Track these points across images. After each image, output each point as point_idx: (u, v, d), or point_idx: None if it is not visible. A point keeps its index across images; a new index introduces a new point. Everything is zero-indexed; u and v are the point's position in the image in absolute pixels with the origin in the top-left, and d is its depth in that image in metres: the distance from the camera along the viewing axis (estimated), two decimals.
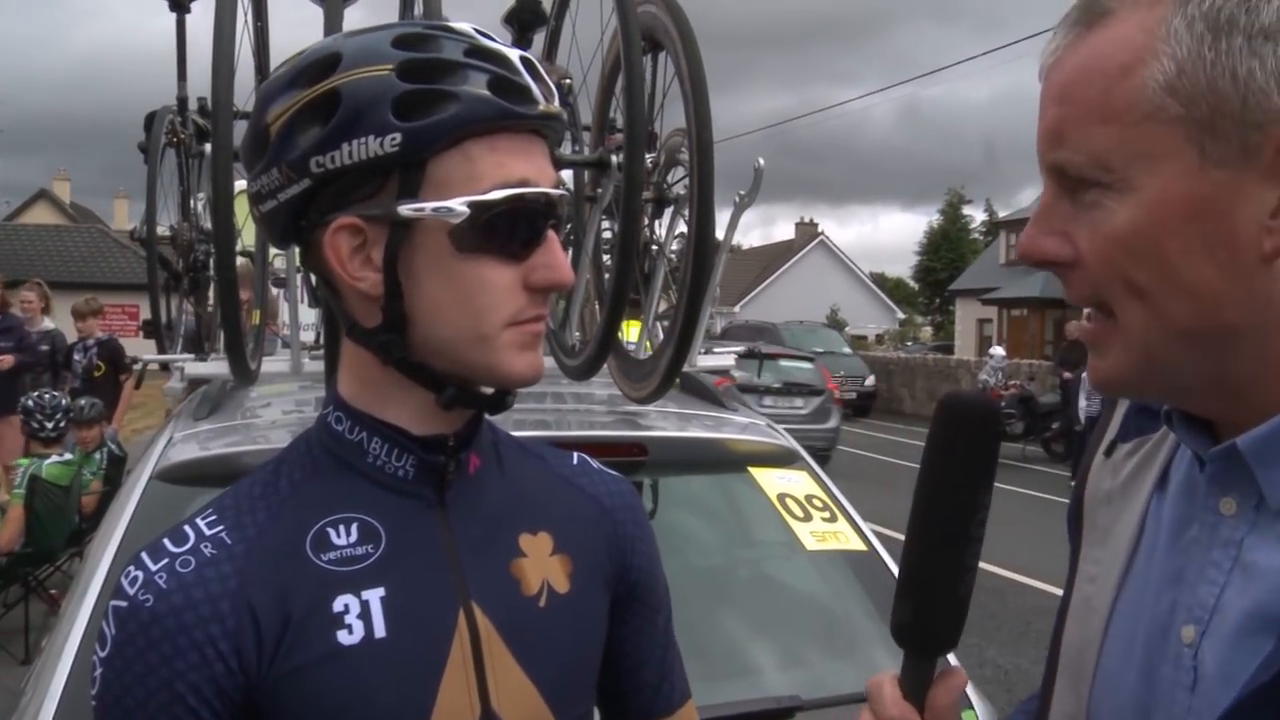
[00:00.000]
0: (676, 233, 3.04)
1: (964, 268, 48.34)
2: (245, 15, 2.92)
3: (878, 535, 2.68)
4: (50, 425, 7.02)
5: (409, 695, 1.10)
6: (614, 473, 1.38)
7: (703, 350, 3.57)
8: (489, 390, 1.18)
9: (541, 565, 1.22)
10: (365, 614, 1.10)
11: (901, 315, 59.52)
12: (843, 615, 2.65)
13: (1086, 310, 0.97)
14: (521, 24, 3.31)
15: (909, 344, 47.51)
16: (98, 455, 7.23)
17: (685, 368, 3.14)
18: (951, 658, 2.30)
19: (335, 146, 1.06)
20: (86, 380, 8.96)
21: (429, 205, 1.06)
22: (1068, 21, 0.93)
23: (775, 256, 61.01)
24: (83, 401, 7.39)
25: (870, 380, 26.08)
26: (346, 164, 1.06)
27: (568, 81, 3.21)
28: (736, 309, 52.87)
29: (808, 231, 61.62)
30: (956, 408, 1.03)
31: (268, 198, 1.12)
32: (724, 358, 3.41)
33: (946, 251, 55.88)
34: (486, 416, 1.24)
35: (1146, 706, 0.98)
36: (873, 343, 46.44)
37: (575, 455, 1.37)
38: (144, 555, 1.10)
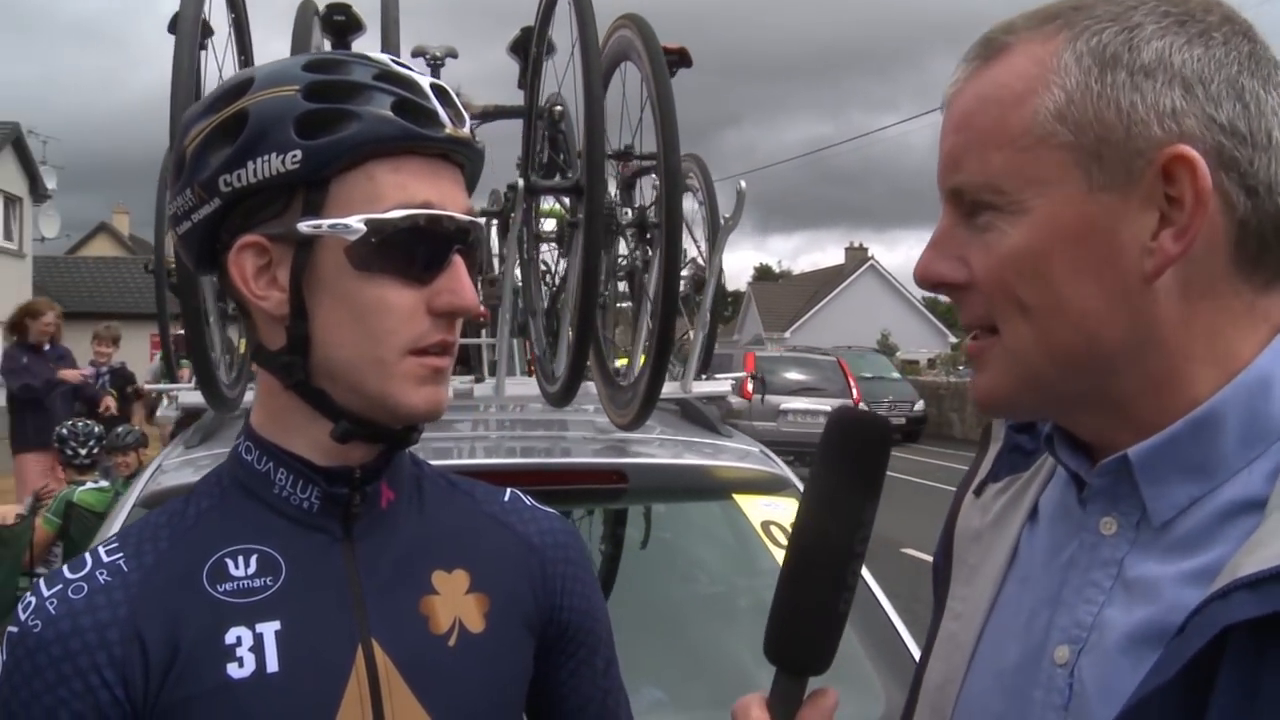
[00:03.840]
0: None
1: None
2: (229, 47, 2.94)
3: (907, 560, 2.63)
4: (84, 452, 7.09)
5: None
6: (550, 510, 1.36)
7: (703, 377, 3.55)
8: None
9: (454, 603, 1.20)
10: (258, 647, 1.09)
11: (954, 339, 58.94)
12: None
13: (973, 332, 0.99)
14: (528, 52, 3.31)
15: (960, 368, 46.98)
16: None
17: (681, 394, 3.13)
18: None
19: (241, 165, 1.08)
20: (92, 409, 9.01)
21: (326, 222, 1.07)
22: (968, 56, 0.97)
23: (825, 282, 60.72)
24: (120, 429, 7.48)
25: (919, 405, 25.81)
26: (252, 182, 1.08)
27: (559, 108, 3.21)
28: (786, 335, 52.64)
29: (858, 256, 61.22)
30: (845, 421, 1.04)
31: (183, 219, 1.14)
32: (721, 384, 3.38)
33: None
34: (409, 450, 1.23)
35: None
36: (925, 367, 46.00)
37: (508, 492, 1.35)
38: (41, 582, 1.10)
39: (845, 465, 1.02)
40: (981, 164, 0.92)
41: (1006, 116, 0.91)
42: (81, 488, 6.70)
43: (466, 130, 1.13)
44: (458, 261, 1.12)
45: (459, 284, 1.11)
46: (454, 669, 1.17)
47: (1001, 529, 1.09)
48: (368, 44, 3.84)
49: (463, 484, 1.32)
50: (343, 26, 3.37)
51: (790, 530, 1.03)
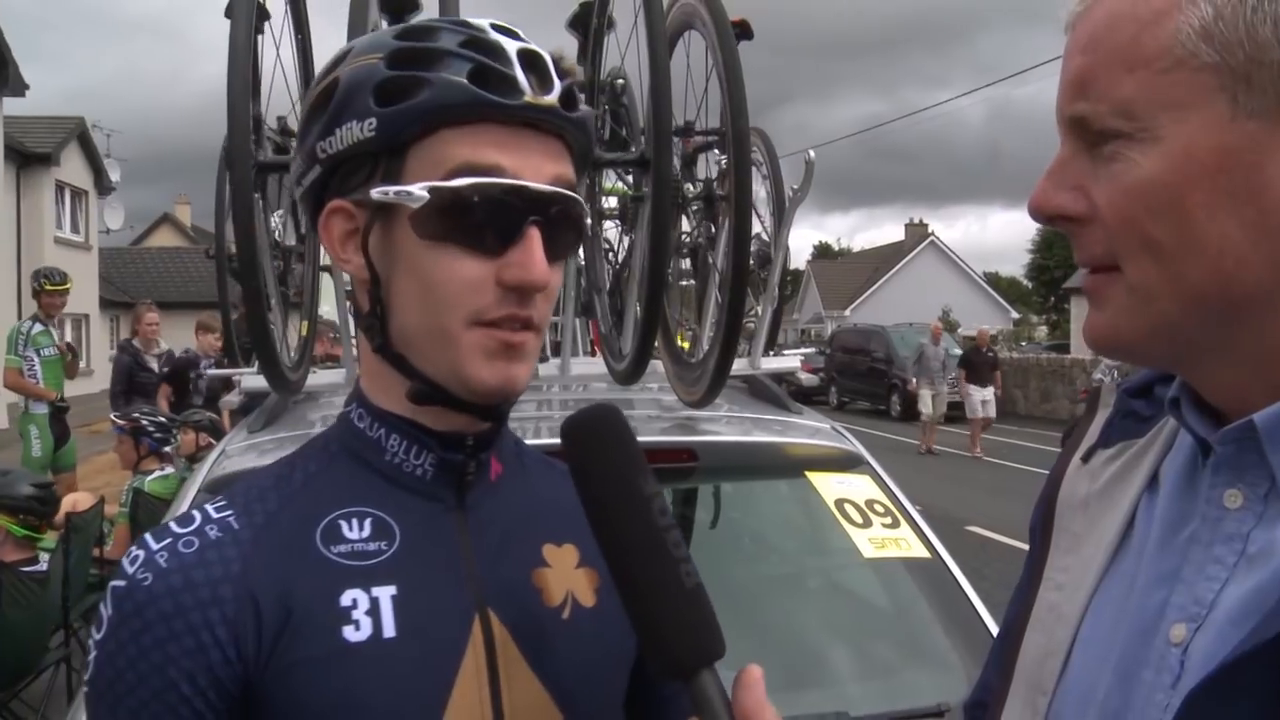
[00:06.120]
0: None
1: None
2: (286, 27, 2.92)
3: (973, 536, 2.58)
4: (170, 443, 7.17)
5: (416, 700, 1.06)
6: None
7: (772, 352, 3.48)
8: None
9: (566, 577, 1.18)
10: (374, 611, 1.06)
11: (1016, 315, 58.29)
12: (900, 625, 2.55)
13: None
14: (586, 27, 3.26)
15: (1023, 344, 46.41)
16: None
17: (750, 370, 3.07)
18: None
19: (331, 132, 1.08)
20: (210, 399, 9.08)
21: (393, 189, 1.05)
22: None
23: (886, 258, 60.32)
24: (189, 411, 7.59)
25: None
26: (340, 149, 1.07)
27: (620, 81, 3.15)
28: (847, 312, 52.37)
29: (918, 232, 60.73)
30: (570, 428, 1.04)
31: (298, 185, 1.15)
32: (789, 360, 3.32)
33: (1060, 249, 54.57)
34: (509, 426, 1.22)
35: (1116, 716, 0.90)
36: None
37: None
38: (148, 536, 1.08)
39: (597, 458, 1.02)
40: (1110, 88, 0.84)
41: (1142, 35, 0.82)
42: (150, 477, 6.78)
43: (553, 97, 1.07)
44: (532, 233, 1.06)
45: (528, 257, 1.05)
46: (568, 643, 1.15)
47: (1113, 497, 1.02)
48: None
49: (557, 462, 1.29)
50: (399, 5, 3.32)
51: (599, 545, 1.01)
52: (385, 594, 1.07)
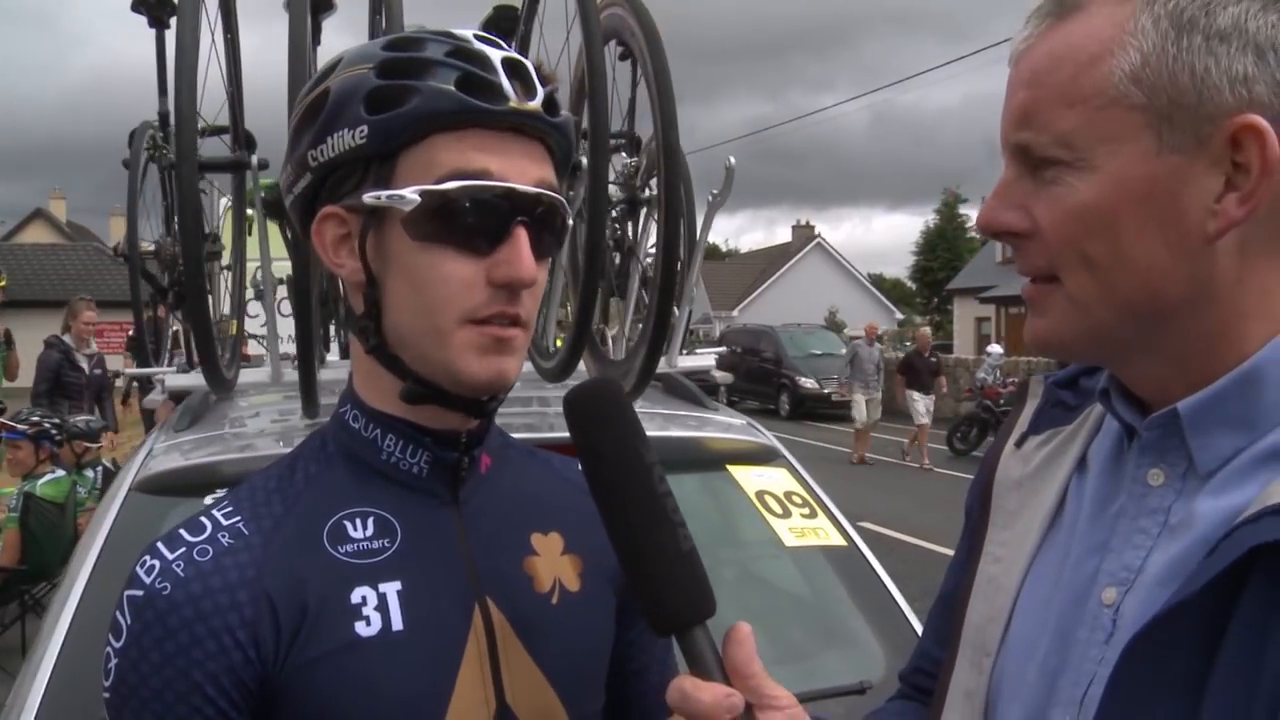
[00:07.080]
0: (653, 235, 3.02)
1: (961, 267, 48.36)
2: (213, 27, 2.92)
3: (865, 532, 2.70)
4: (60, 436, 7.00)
5: (426, 688, 1.12)
6: None
7: (684, 351, 3.57)
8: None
9: (553, 564, 1.24)
10: (383, 606, 1.12)
11: (900, 315, 59.41)
12: (820, 610, 2.66)
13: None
14: (501, 31, 3.31)
15: (908, 344, 47.29)
16: (91, 474, 7.20)
17: (666, 369, 3.15)
18: None
19: (323, 141, 1.12)
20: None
21: (385, 194, 1.09)
22: (1040, 13, 0.99)
23: (773, 260, 60.87)
24: (76, 418, 7.41)
25: None
26: (331, 157, 1.11)
27: None
28: (735, 313, 52.76)
29: (805, 234, 61.46)
30: (576, 400, 1.10)
31: (288, 193, 1.19)
32: (704, 358, 3.41)
33: (943, 251, 55.94)
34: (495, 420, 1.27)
35: (1054, 671, 1.01)
36: None
37: (579, 462, 1.39)
38: (159, 545, 1.11)
39: (603, 427, 1.08)
40: (1052, 121, 0.95)
41: (1080, 76, 0.93)
42: (41, 480, 6.63)
43: (536, 103, 1.12)
44: (519, 233, 1.11)
45: (516, 255, 1.10)
46: (559, 626, 1.22)
47: (1045, 478, 1.14)
48: (341, 23, 3.81)
49: (540, 454, 1.36)
50: (314, 5, 3.33)
51: (599, 509, 1.07)
52: (391, 590, 1.13)
